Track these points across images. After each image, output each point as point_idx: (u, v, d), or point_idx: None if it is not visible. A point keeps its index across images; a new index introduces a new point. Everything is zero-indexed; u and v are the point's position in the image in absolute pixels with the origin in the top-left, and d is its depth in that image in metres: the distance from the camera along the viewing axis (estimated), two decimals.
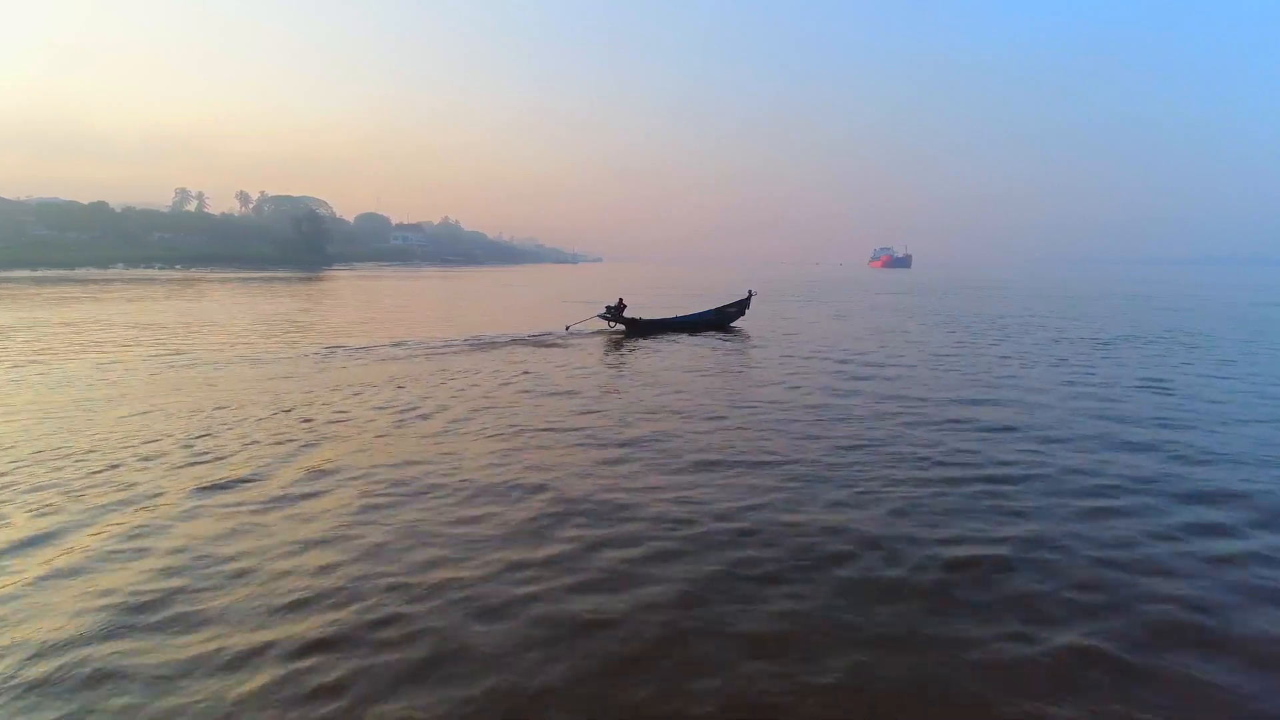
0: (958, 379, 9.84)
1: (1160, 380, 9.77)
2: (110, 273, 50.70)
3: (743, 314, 17.33)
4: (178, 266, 60.33)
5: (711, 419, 7.40)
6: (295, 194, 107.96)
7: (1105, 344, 14.01)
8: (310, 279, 44.70)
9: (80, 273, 49.96)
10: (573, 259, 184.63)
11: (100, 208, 79.97)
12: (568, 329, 15.69)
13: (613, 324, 15.88)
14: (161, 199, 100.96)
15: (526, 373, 10.12)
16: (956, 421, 7.25)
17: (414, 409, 7.73)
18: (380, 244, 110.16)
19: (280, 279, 43.00)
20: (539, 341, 13.75)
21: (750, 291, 17.92)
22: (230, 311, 20.11)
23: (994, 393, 8.82)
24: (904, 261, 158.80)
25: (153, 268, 58.24)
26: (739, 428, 7.03)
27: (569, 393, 8.72)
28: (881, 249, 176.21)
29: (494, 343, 13.39)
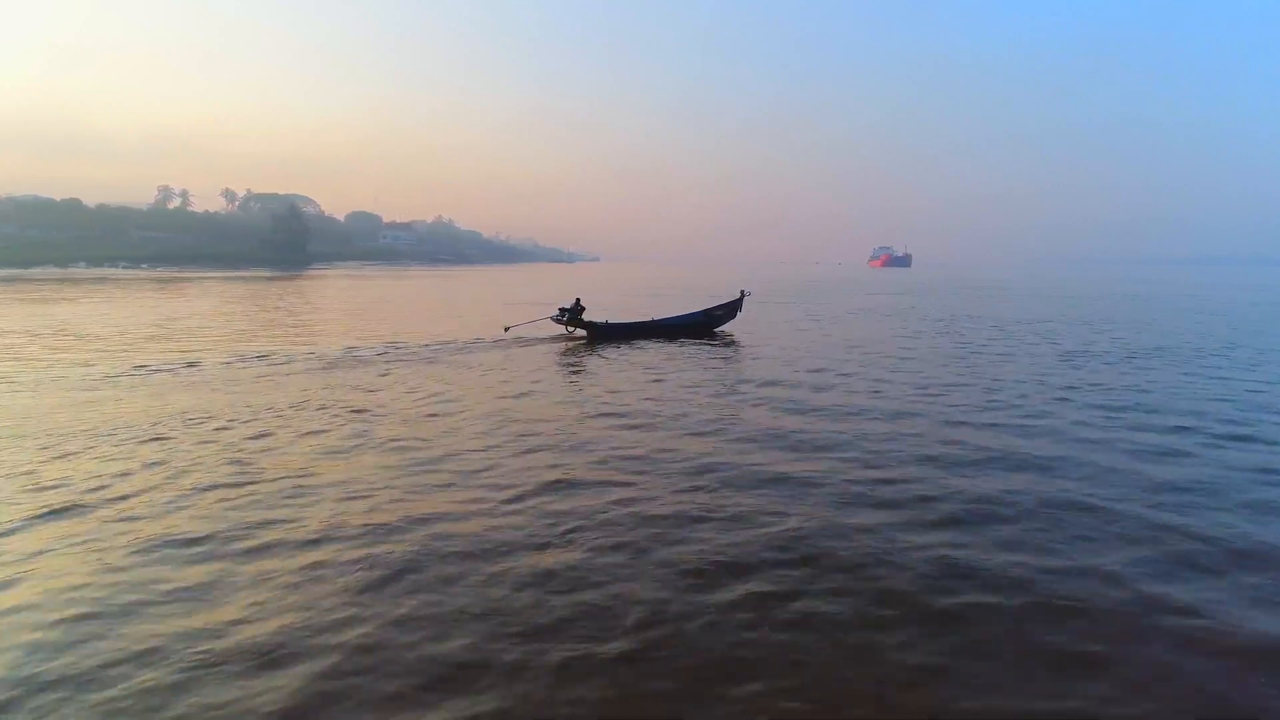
0: (953, 439, 6.96)
1: (1251, 439, 6.52)
2: (68, 272, 48.31)
3: (733, 317, 15.07)
4: (144, 266, 57.73)
5: (536, 542, 4.69)
6: (292, 193, 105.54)
7: (1142, 365, 11.33)
8: (280, 279, 41.91)
9: (36, 271, 47.63)
10: (569, 258, 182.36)
11: (73, 205, 77.64)
12: (506, 330, 13.17)
13: (571, 329, 13.42)
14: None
15: (370, 411, 7.50)
16: (960, 569, 3.88)
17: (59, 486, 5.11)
18: (370, 243, 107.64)
19: (246, 279, 40.31)
20: (431, 358, 11.10)
21: (743, 292, 15.37)
22: (126, 314, 17.45)
23: (1013, 478, 5.19)
24: (903, 261, 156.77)
25: (116, 267, 55.75)
26: (557, 545, 4.26)
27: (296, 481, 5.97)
28: (881, 248, 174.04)
29: (368, 359, 10.76)
